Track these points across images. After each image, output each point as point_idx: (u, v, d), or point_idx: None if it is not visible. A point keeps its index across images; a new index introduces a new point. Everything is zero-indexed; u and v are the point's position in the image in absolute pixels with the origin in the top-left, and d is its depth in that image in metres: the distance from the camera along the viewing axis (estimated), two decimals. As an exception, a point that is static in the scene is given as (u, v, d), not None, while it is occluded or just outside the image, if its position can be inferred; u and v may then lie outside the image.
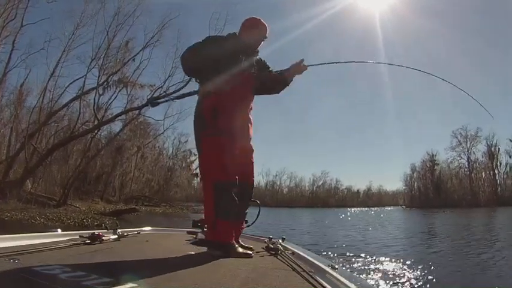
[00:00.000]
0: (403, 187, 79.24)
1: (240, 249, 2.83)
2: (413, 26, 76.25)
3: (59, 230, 3.24)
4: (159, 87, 24.33)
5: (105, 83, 24.28)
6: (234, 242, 2.84)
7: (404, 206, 71.93)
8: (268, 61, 3.28)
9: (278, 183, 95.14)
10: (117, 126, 29.55)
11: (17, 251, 2.16)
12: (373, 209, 68.82)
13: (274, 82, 3.29)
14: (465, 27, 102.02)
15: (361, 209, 68.76)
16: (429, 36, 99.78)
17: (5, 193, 20.40)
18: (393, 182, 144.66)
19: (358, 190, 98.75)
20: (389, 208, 70.34)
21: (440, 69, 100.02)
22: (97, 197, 32.91)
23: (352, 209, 63.84)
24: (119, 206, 28.77)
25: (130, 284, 1.63)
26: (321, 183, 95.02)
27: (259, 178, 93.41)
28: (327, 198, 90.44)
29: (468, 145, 66.78)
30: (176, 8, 43.57)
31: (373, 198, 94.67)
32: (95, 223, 15.69)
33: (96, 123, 24.67)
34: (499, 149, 64.56)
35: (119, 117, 25.86)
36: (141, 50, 25.09)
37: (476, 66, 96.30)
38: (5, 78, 23.50)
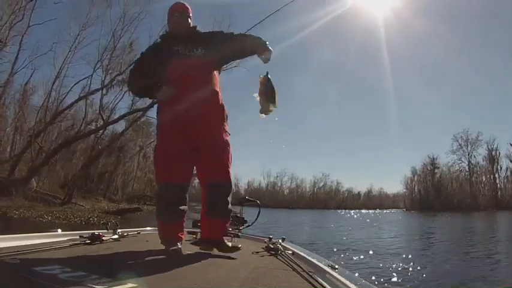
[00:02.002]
0: (404, 190, 79.32)
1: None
2: (416, 29, 76.44)
3: (59, 230, 3.22)
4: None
5: (110, 84, 24.49)
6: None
7: (405, 209, 71.74)
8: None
9: (279, 184, 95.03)
10: (119, 125, 29.71)
11: (17, 251, 2.15)
12: (375, 211, 68.69)
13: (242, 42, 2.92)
14: (469, 30, 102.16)
15: (365, 211, 68.48)
16: (432, 39, 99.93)
17: (10, 191, 20.63)
18: (394, 185, 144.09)
19: (358, 192, 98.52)
20: (390, 211, 70.07)
21: (442, 71, 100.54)
22: (100, 196, 33.10)
23: (353, 211, 63.69)
24: (122, 205, 28.96)
25: (130, 284, 1.66)
26: (321, 184, 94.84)
27: (260, 179, 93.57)
28: (327, 200, 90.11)
29: (469, 149, 67.13)
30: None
31: (373, 201, 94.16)
32: (101, 221, 15.84)
33: (100, 123, 24.89)
34: (499, 153, 64.84)
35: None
36: (146, 51, 25.21)
37: (479, 71, 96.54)
38: (11, 79, 23.79)
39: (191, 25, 3.02)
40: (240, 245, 2.84)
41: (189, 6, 3.03)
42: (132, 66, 3.08)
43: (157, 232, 2.99)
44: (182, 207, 2.86)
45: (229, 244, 2.85)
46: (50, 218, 15.93)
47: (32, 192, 22.00)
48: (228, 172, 2.85)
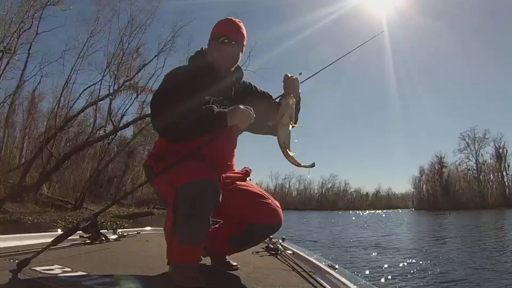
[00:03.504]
0: (412, 189, 78.78)
1: None
2: (420, 28, 76.15)
3: (59, 230, 3.16)
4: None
5: (118, 90, 24.63)
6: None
7: (413, 209, 71.43)
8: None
9: (287, 186, 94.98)
10: (128, 130, 29.80)
11: (17, 251, 2.13)
12: (384, 211, 68.49)
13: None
14: (474, 28, 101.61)
15: (374, 211, 68.22)
16: (436, 37, 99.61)
17: (22, 197, 20.93)
18: (402, 185, 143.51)
19: (367, 193, 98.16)
20: (398, 211, 69.71)
21: (447, 69, 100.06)
22: (109, 201, 33.32)
23: (361, 212, 63.53)
24: (132, 209, 29.22)
25: (130, 284, 1.68)
26: (329, 185, 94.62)
27: (268, 181, 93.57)
28: (336, 201, 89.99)
29: (476, 147, 66.67)
30: (188, 14, 43.70)
31: (382, 201, 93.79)
32: (114, 226, 16.00)
33: (110, 128, 25.08)
34: (507, 150, 64.48)
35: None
36: (154, 57, 25.09)
37: (484, 68, 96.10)
38: (22, 86, 24.10)
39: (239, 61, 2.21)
40: (235, 263, 2.31)
41: (245, 33, 2.17)
42: (159, 99, 1.99)
43: (157, 232, 2.75)
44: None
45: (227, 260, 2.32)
46: (63, 223, 16.01)
47: (44, 198, 22.29)
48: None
